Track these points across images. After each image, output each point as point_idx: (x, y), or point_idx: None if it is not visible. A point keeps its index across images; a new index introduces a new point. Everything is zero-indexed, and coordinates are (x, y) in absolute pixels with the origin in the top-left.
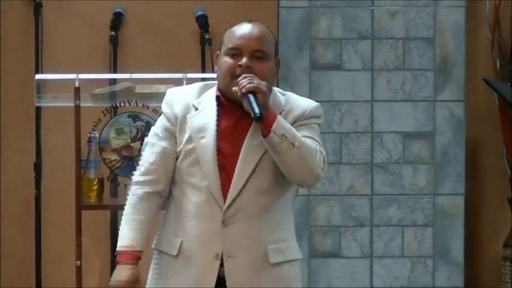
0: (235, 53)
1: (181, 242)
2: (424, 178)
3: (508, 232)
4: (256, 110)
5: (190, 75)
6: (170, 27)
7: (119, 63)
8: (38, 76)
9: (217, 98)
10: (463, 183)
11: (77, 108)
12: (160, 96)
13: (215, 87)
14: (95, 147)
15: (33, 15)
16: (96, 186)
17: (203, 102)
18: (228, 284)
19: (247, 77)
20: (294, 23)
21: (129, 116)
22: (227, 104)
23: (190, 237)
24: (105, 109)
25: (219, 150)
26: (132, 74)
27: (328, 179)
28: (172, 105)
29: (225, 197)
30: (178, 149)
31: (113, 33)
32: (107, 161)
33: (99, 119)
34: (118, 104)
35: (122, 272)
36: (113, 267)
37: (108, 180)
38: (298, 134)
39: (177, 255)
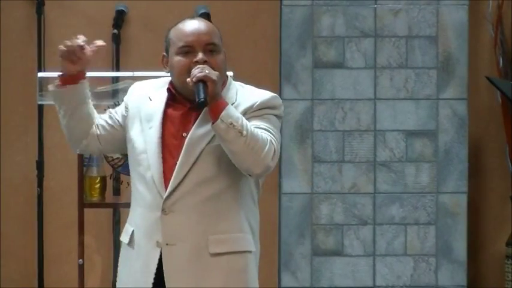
0: (188, 50)
1: (133, 230)
2: (427, 176)
3: (511, 230)
4: (201, 95)
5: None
6: (172, 25)
7: (122, 61)
8: (40, 74)
9: (168, 90)
10: (466, 181)
11: None
12: None
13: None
14: None
15: (35, 13)
16: (98, 185)
17: (158, 94)
18: (165, 271)
19: (199, 67)
20: (296, 21)
21: None
22: (178, 97)
23: (137, 225)
24: (108, 107)
25: (165, 141)
26: (135, 72)
27: (330, 177)
28: (130, 96)
29: (166, 186)
30: (128, 136)
31: (115, 31)
32: (110, 159)
33: None
34: (120, 102)
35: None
36: (115, 266)
37: (110, 178)
38: (248, 123)
39: (128, 244)
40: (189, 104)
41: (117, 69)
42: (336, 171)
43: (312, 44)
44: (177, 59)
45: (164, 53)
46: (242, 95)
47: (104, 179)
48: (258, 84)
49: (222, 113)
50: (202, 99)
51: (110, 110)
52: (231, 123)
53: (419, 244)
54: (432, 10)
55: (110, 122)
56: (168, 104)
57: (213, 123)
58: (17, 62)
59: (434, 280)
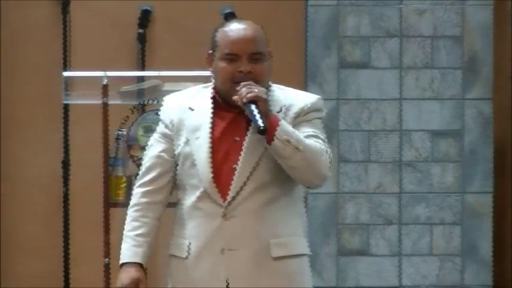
0: (233, 58)
1: (189, 243)
2: (452, 176)
3: None
4: (260, 123)
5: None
6: (197, 25)
7: (147, 60)
8: (65, 73)
9: (213, 98)
10: (491, 181)
11: (105, 105)
12: None
13: (210, 88)
14: (123, 145)
15: (60, 13)
16: (124, 184)
17: (198, 103)
18: (229, 277)
19: (246, 85)
20: (322, 21)
21: (157, 114)
22: (223, 104)
23: (195, 237)
24: (133, 107)
25: (215, 149)
26: (160, 72)
27: (356, 177)
28: (168, 110)
29: (222, 193)
30: (176, 152)
31: (140, 30)
32: (135, 158)
33: (127, 117)
34: (146, 102)
35: (125, 274)
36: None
37: (136, 177)
38: (302, 136)
39: (186, 257)
40: (236, 109)
41: (143, 69)
42: (362, 171)
43: (337, 44)
44: (222, 65)
45: (210, 51)
46: (287, 97)
47: (130, 179)
48: (284, 84)
49: (277, 131)
50: (262, 128)
51: (160, 151)
52: (287, 140)
53: (444, 244)
54: (457, 10)
55: (168, 165)
56: (214, 112)
57: (268, 141)
58: (42, 62)
59: (460, 280)
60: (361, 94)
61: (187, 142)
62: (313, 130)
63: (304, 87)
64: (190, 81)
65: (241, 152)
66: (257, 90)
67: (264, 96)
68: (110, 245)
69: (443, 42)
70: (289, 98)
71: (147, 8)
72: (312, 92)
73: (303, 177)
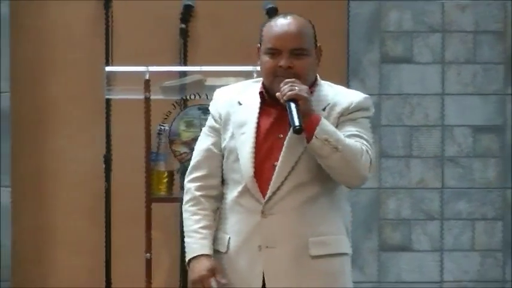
0: (274, 52)
1: (229, 238)
2: (494, 172)
3: None
4: (296, 123)
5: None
6: (239, 20)
7: (189, 55)
8: (108, 68)
9: (261, 93)
10: None
11: (147, 100)
12: None
13: (260, 83)
14: (164, 140)
15: (103, 9)
16: (166, 179)
17: (247, 97)
18: (266, 274)
19: (289, 82)
20: (364, 16)
21: (199, 109)
22: (270, 100)
23: (234, 232)
24: (175, 102)
25: (259, 144)
26: (202, 67)
27: (398, 172)
28: (217, 103)
29: (262, 189)
30: (222, 146)
31: (182, 25)
32: (177, 153)
33: (169, 112)
34: (188, 97)
35: (198, 266)
36: (183, 260)
37: (177, 172)
38: (342, 135)
39: (226, 252)
40: (281, 105)
41: (185, 64)
42: (404, 166)
43: (379, 39)
44: (265, 59)
45: (258, 45)
46: (334, 95)
47: (172, 174)
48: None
49: (316, 130)
50: (297, 128)
51: (210, 144)
52: (326, 140)
53: (486, 239)
54: (499, 5)
55: (216, 159)
56: (261, 107)
57: (307, 140)
58: (85, 57)
59: (501, 275)
60: (403, 89)
61: (232, 136)
62: (356, 129)
63: (346, 82)
64: (232, 76)
65: (282, 150)
66: (298, 88)
67: (305, 94)
68: (151, 240)
69: (485, 37)
70: (336, 96)
71: (190, 3)
72: (354, 88)
73: (341, 177)
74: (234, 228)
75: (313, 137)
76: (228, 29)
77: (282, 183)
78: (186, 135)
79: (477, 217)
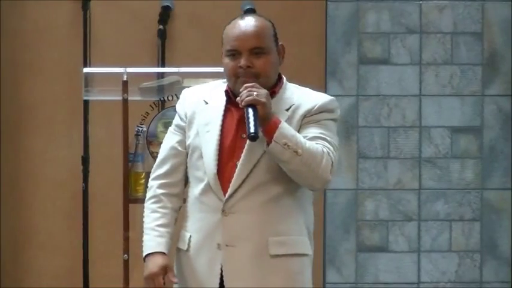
0: (234, 53)
1: (190, 236)
2: (471, 173)
3: None
4: (251, 130)
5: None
6: (218, 21)
7: (167, 57)
8: (86, 69)
9: (226, 92)
10: (511, 177)
11: (125, 101)
12: None
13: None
14: (142, 141)
15: (81, 9)
16: (143, 180)
17: (213, 97)
18: (224, 273)
19: (248, 87)
20: (342, 18)
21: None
22: (234, 99)
23: (195, 230)
24: (153, 103)
25: (223, 143)
26: (180, 68)
27: (376, 174)
28: (184, 103)
29: (224, 188)
30: (187, 144)
31: (161, 27)
32: (155, 154)
33: (147, 113)
34: (166, 98)
35: (151, 263)
36: None
37: None
38: (302, 139)
39: (187, 250)
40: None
41: (163, 65)
42: (381, 167)
43: (357, 40)
44: (226, 61)
45: (222, 48)
46: (299, 97)
47: (149, 175)
48: (304, 80)
49: (275, 134)
50: (252, 135)
51: (175, 142)
52: (285, 144)
53: (464, 240)
54: (477, 7)
55: (180, 156)
56: (227, 107)
57: (267, 144)
58: (63, 58)
59: (478, 276)
60: (380, 90)
61: (197, 134)
62: (320, 131)
63: (324, 83)
64: (209, 78)
65: (244, 149)
66: (257, 93)
67: (264, 99)
68: (129, 241)
69: (463, 39)
70: (301, 97)
71: (168, 4)
72: (332, 88)
73: (303, 180)
74: (195, 226)
75: (272, 141)
76: (206, 30)
77: (243, 182)
78: (163, 137)
79: (455, 218)
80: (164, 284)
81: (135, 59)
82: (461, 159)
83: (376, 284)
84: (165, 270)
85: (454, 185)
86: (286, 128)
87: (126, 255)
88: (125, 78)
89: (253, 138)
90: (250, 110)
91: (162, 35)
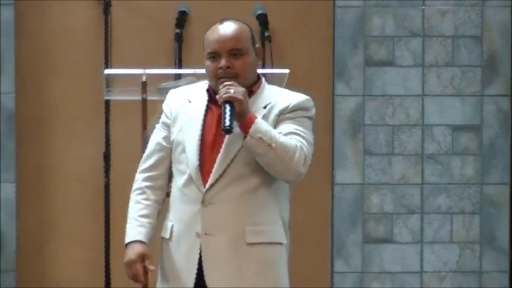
0: (215, 56)
1: (172, 225)
2: (472, 169)
3: None
4: (226, 123)
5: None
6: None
7: (183, 58)
8: (107, 71)
9: (208, 91)
10: (509, 173)
11: (144, 101)
12: None
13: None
14: None
15: (102, 13)
16: None
17: (196, 96)
18: (203, 260)
19: (226, 85)
20: (349, 22)
21: None
22: (215, 98)
23: (177, 220)
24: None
25: (204, 138)
26: (196, 69)
27: (381, 169)
28: (169, 102)
29: (204, 180)
30: (171, 139)
31: (178, 30)
32: None
33: None
34: None
35: (130, 250)
36: None
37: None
38: (277, 134)
39: (169, 238)
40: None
41: (180, 67)
42: (386, 164)
43: (363, 43)
44: (207, 63)
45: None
46: (277, 96)
47: None
48: (312, 81)
49: (251, 129)
50: (226, 128)
51: (161, 138)
52: (260, 138)
53: (464, 232)
54: (477, 11)
55: (165, 152)
56: (208, 105)
57: (243, 138)
58: (85, 60)
59: (478, 266)
60: (385, 91)
61: (181, 130)
62: (294, 127)
63: (332, 84)
64: None
65: (223, 144)
66: (233, 91)
67: (240, 96)
68: None
69: (464, 42)
70: (278, 96)
71: (184, 9)
72: (339, 89)
73: (277, 173)
74: (177, 216)
75: (248, 135)
76: None
77: (221, 175)
78: None
79: (455, 211)
80: (146, 270)
81: (153, 61)
82: (461, 156)
83: (381, 273)
84: (142, 257)
85: (455, 180)
86: (261, 124)
87: None
88: (144, 79)
89: (228, 131)
90: (227, 106)
91: (179, 38)
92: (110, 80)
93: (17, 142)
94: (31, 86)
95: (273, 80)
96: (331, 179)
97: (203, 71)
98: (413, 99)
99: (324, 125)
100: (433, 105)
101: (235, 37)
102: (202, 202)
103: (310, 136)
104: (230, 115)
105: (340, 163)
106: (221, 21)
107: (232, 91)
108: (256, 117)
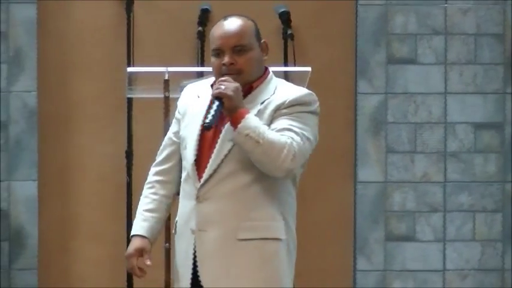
0: (218, 52)
1: (176, 221)
2: (493, 166)
3: None
4: (206, 120)
5: (273, 68)
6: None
7: (206, 56)
8: (129, 69)
9: (212, 86)
10: None
11: (166, 99)
12: None
13: None
14: None
15: (125, 12)
16: None
17: (204, 91)
18: (197, 255)
19: (220, 81)
20: (371, 20)
21: None
22: None
23: (179, 216)
24: None
25: (203, 135)
26: None
27: (403, 167)
28: (182, 97)
29: (200, 176)
30: (180, 134)
31: (200, 28)
32: None
33: None
34: None
35: (130, 245)
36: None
37: None
38: (266, 130)
39: (175, 234)
40: None
41: (202, 64)
42: (408, 161)
43: (385, 41)
44: (212, 60)
45: None
46: (279, 91)
47: None
48: (335, 78)
49: (239, 125)
50: (205, 124)
51: (172, 133)
52: (247, 135)
53: (486, 230)
54: (499, 9)
55: (176, 147)
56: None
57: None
58: (107, 58)
59: (500, 264)
60: (408, 88)
61: (186, 125)
62: (289, 123)
63: (354, 81)
64: None
65: (218, 140)
66: (224, 86)
67: (230, 92)
68: (170, 231)
69: (486, 40)
70: (279, 91)
71: (207, 7)
72: (361, 87)
73: (264, 169)
74: (179, 212)
75: (236, 131)
76: None
77: (215, 171)
78: None
79: (478, 209)
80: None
81: (176, 59)
82: (484, 154)
83: (403, 271)
84: (140, 252)
85: (477, 178)
86: (251, 120)
87: (167, 244)
88: (166, 77)
89: (206, 127)
90: (216, 102)
91: (201, 36)
92: (132, 78)
93: (39, 140)
94: (53, 84)
95: (295, 77)
96: (353, 177)
97: None
98: (435, 97)
99: (346, 123)
100: (455, 103)
101: (239, 33)
102: (197, 198)
103: (309, 131)
104: (215, 111)
105: (363, 161)
106: (225, 17)
107: (223, 87)
108: (247, 113)
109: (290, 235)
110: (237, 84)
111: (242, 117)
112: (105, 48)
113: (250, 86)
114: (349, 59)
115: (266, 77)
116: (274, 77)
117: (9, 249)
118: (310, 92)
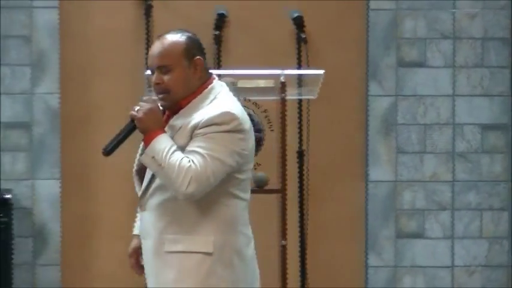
0: (152, 71)
1: None
2: (500, 166)
3: None
4: (107, 144)
5: (287, 71)
6: (268, 28)
7: (222, 60)
8: (148, 72)
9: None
10: None
11: None
12: (259, 91)
13: None
14: None
15: (144, 15)
16: None
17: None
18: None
19: (140, 102)
20: (382, 24)
21: None
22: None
23: None
24: None
25: None
26: (235, 70)
27: (413, 167)
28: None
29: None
30: None
31: (216, 32)
32: None
33: None
34: None
35: (130, 244)
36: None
37: None
38: (171, 153)
39: None
40: (168, 119)
41: (219, 67)
42: (418, 161)
43: (396, 45)
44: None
45: None
46: (202, 111)
47: None
48: (347, 81)
49: (148, 147)
50: (102, 151)
51: None
52: (153, 157)
53: (493, 228)
54: (506, 14)
55: None
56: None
57: None
58: (127, 60)
59: (507, 260)
60: (417, 91)
61: None
62: (198, 145)
63: (365, 84)
64: (261, 79)
65: None
66: (138, 108)
67: (140, 115)
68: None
69: (493, 44)
70: (202, 111)
71: (223, 11)
72: (372, 89)
73: (169, 191)
74: None
75: (144, 153)
76: (258, 36)
77: (149, 183)
78: None
79: (485, 207)
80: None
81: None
82: (490, 154)
83: (413, 267)
84: (136, 252)
85: (484, 177)
86: (159, 142)
87: (284, 241)
88: None
89: (103, 153)
90: (127, 124)
91: (218, 40)
92: (151, 81)
93: (62, 140)
94: (75, 86)
95: (308, 80)
96: (365, 176)
97: (242, 72)
98: (444, 99)
99: (358, 124)
100: (462, 104)
101: (162, 53)
102: (140, 207)
103: (220, 152)
104: (117, 135)
105: (374, 161)
106: (159, 36)
107: (136, 109)
108: (158, 135)
109: (226, 248)
110: (152, 106)
111: (151, 139)
112: (125, 51)
113: (180, 104)
114: (361, 62)
115: (199, 94)
116: (214, 92)
117: (33, 246)
118: (227, 111)
